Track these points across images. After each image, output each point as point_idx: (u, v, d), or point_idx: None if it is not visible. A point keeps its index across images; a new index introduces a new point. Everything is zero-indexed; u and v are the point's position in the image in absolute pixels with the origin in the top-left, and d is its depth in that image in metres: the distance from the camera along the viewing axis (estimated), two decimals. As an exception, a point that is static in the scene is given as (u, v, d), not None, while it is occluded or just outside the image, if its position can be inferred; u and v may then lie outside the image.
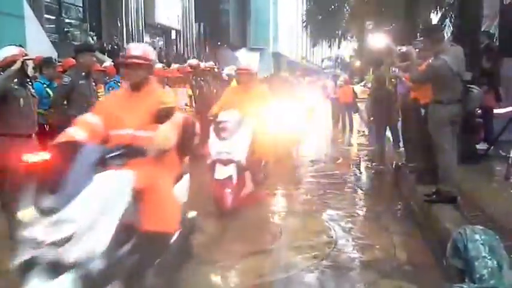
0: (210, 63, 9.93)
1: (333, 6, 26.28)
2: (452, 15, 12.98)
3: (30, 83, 5.42)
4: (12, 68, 4.32)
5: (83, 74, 5.44)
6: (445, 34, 11.51)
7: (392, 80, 7.78)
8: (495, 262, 1.71)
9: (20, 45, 6.26)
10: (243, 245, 4.58)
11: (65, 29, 20.38)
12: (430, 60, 5.01)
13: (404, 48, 5.97)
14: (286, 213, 5.78)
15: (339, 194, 6.69)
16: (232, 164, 5.55)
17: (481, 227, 1.84)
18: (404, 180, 6.75)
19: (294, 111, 8.83)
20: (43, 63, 6.46)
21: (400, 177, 7.08)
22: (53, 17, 19.56)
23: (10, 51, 4.58)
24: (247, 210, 5.63)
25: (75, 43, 18.91)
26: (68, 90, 5.32)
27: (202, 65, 9.45)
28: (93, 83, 5.75)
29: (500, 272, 1.70)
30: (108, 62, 8.47)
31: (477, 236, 1.77)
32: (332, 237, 4.86)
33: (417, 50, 6.05)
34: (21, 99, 4.57)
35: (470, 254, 1.74)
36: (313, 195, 6.68)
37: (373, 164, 8.65)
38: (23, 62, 4.55)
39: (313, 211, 5.87)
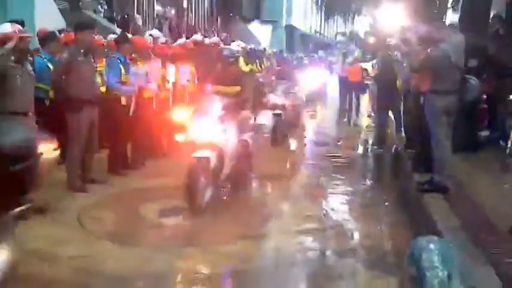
0: (215, 39, 9.84)
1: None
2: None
3: (30, 59, 5.48)
4: (6, 46, 4.34)
5: (82, 51, 5.44)
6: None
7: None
8: (445, 273, 1.75)
9: (21, 21, 6.29)
10: (231, 228, 4.64)
11: (76, -3, 20.18)
12: (429, 50, 4.93)
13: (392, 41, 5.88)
14: (279, 198, 5.82)
15: (336, 178, 6.71)
16: None
17: (436, 237, 1.88)
18: (402, 166, 6.75)
19: None
20: (45, 37, 6.46)
21: (399, 163, 7.08)
22: (66, -16, 19.37)
23: (5, 28, 4.59)
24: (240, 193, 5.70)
25: (86, 11, 18.83)
26: (65, 67, 5.34)
27: (207, 41, 9.38)
28: (93, 60, 5.74)
29: (449, 283, 1.74)
30: (111, 36, 8.41)
31: (432, 246, 1.81)
32: (321, 223, 4.91)
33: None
34: (18, 77, 4.60)
35: (423, 263, 1.78)
36: (310, 178, 6.73)
37: (374, 147, 8.64)
38: (20, 39, 4.56)
39: (306, 195, 5.92)
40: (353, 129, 11.46)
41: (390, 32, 9.82)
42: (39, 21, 11.21)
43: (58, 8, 15.32)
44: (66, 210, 4.94)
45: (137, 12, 21.78)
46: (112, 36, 8.11)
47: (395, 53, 7.05)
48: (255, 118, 7.67)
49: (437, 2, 13.67)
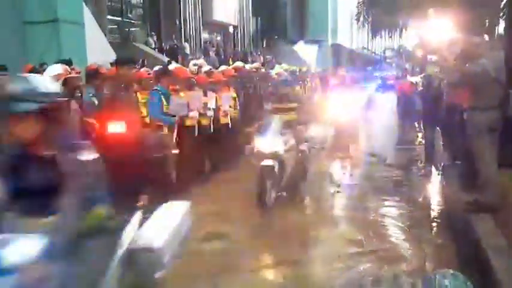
0: (256, 64, 9.99)
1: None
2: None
3: (79, 95, 5.79)
4: (54, 87, 4.59)
5: (123, 85, 5.69)
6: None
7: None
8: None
9: (69, 60, 6.66)
10: (269, 253, 4.63)
11: (127, 29, 21.07)
12: (467, 65, 4.80)
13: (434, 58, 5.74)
14: (320, 220, 5.75)
15: (379, 199, 6.54)
16: None
17: (452, 271, 1.80)
18: (449, 184, 6.51)
19: None
20: (89, 74, 6.76)
21: (446, 181, 6.83)
22: (117, 18, 20.31)
23: (55, 70, 4.88)
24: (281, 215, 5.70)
25: (136, 44, 19.63)
26: (106, 101, 5.59)
27: (248, 66, 9.54)
28: (134, 93, 5.98)
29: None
30: (157, 67, 8.71)
31: (446, 282, 1.74)
32: (362, 247, 4.80)
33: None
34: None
35: (439, 300, 1.71)
36: (352, 200, 6.60)
37: (421, 165, 8.39)
38: (66, 79, 4.83)
39: (348, 218, 5.82)
40: (401, 147, 11.13)
41: (437, 45, 9.60)
42: (90, 55, 11.83)
43: (109, 41, 16.08)
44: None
45: (185, 41, 22.47)
46: (156, 68, 8.40)
47: (436, 70, 6.88)
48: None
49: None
